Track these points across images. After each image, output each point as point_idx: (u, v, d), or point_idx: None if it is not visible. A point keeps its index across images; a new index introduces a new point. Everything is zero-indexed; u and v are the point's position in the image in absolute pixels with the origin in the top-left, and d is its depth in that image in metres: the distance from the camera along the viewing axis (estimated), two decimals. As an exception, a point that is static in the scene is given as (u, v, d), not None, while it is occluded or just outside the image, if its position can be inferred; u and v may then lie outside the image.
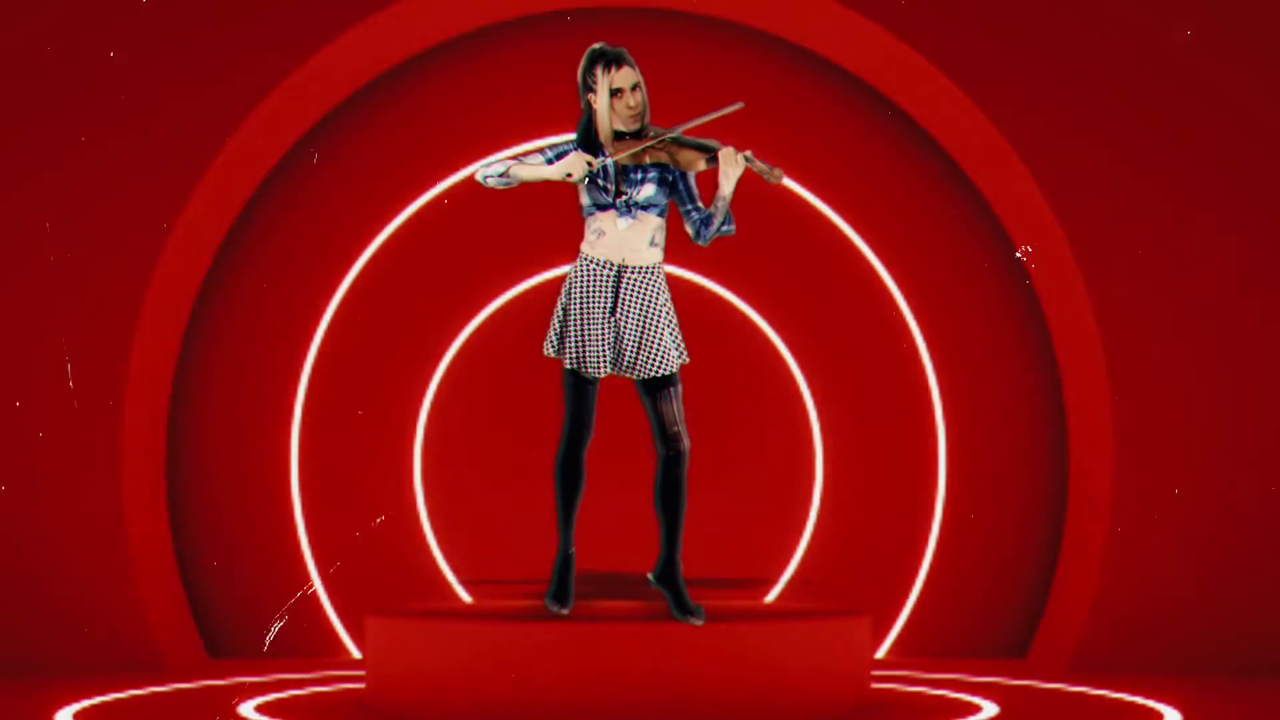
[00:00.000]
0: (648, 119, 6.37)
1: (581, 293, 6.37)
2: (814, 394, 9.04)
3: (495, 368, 8.99)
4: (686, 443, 6.45)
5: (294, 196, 9.01)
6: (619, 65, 6.32)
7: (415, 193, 9.04)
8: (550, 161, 6.37)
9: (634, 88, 6.33)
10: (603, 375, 6.41)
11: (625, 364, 6.39)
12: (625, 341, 6.37)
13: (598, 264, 6.37)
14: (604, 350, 6.37)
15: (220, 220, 8.88)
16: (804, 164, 8.94)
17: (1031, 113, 8.43)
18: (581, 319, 6.37)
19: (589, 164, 6.29)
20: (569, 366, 6.41)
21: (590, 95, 6.35)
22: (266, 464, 8.98)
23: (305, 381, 9.00)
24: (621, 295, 6.36)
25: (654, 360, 6.37)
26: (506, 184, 6.39)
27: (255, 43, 8.44)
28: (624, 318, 6.36)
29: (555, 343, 6.43)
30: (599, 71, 6.32)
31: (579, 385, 6.46)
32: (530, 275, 8.96)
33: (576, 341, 6.37)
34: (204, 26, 8.43)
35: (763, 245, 8.89)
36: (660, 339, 6.38)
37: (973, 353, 9.02)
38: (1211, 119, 8.39)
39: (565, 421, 6.50)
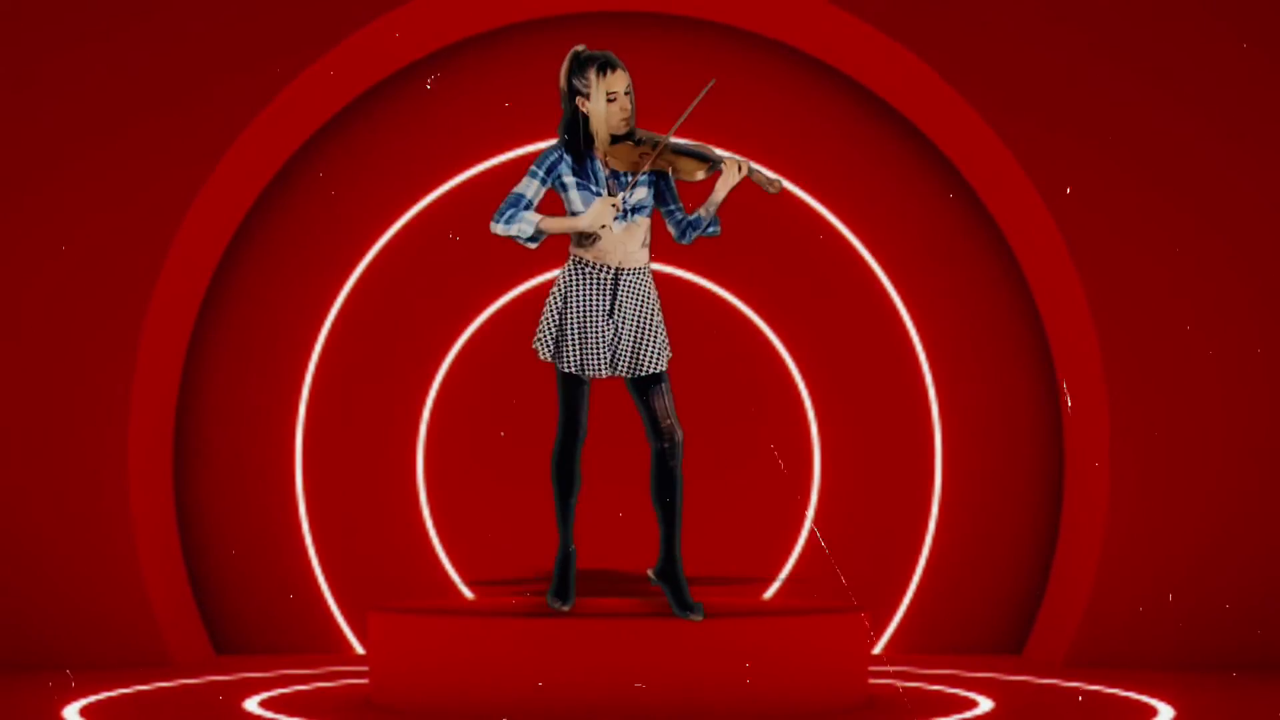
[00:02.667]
0: (635, 121, 6.41)
1: (580, 296, 6.42)
2: (812, 393, 9.07)
3: (498, 367, 9.02)
4: (679, 434, 6.51)
5: (299, 197, 9.03)
6: (612, 69, 6.34)
7: (418, 195, 9.07)
8: (543, 180, 6.39)
9: (626, 91, 6.36)
10: (603, 377, 6.46)
11: (622, 365, 6.44)
12: (623, 342, 6.43)
13: (594, 267, 6.41)
14: (603, 352, 6.42)
15: (227, 220, 8.91)
16: (801, 165, 8.98)
17: (1028, 115, 8.44)
18: (580, 322, 6.41)
19: (614, 207, 6.34)
20: (568, 371, 6.45)
21: (580, 99, 6.37)
22: (272, 462, 9.01)
23: (310, 380, 9.03)
24: (619, 297, 6.42)
25: (650, 358, 6.44)
26: (537, 243, 6.40)
27: (260, 47, 8.46)
28: (621, 319, 6.42)
29: (551, 346, 6.47)
30: (593, 75, 6.33)
31: (574, 387, 6.51)
32: (532, 276, 8.99)
33: (575, 345, 6.42)
34: (207, 31, 8.46)
35: (761, 246, 8.93)
36: (655, 338, 6.45)
37: (969, 351, 9.04)
38: (1210, 120, 8.41)
39: (560, 423, 6.55)
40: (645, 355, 6.43)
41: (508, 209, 6.37)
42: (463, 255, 9.05)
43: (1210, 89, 8.42)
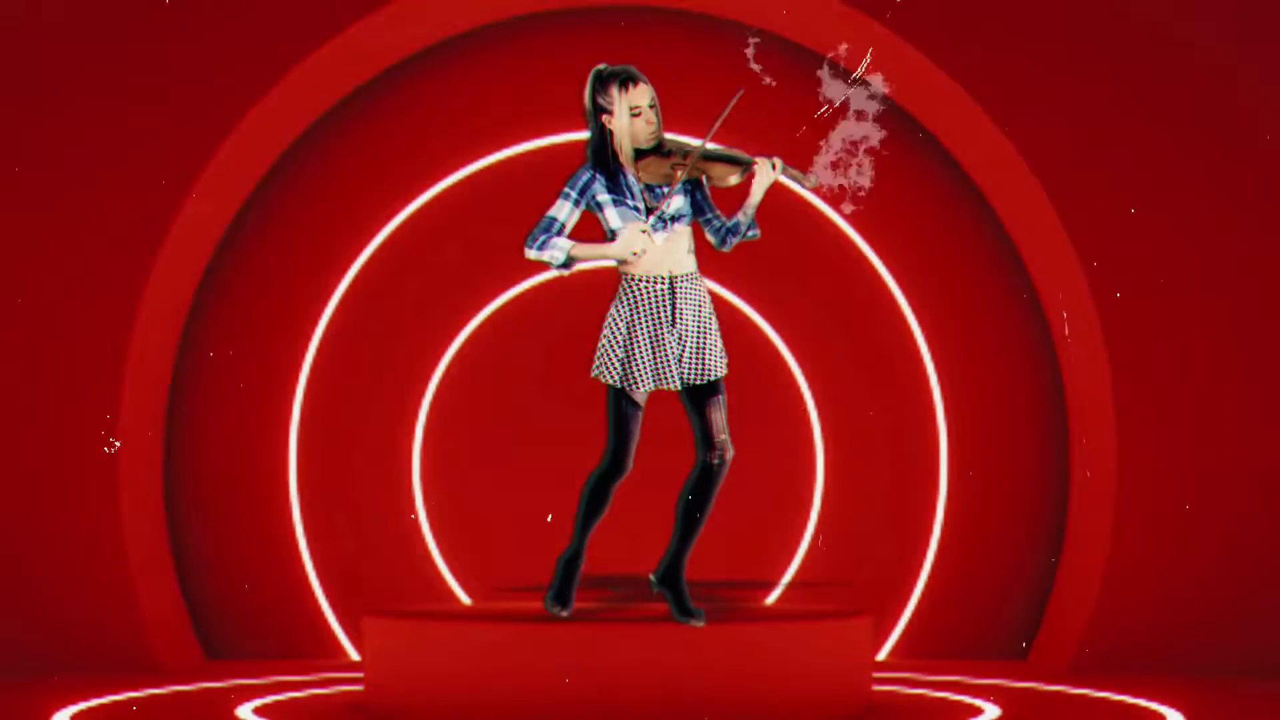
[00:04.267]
0: (662, 134, 6.36)
1: (643, 312, 6.35)
2: (814, 394, 9.04)
3: (495, 369, 8.98)
4: (731, 453, 6.48)
5: (294, 195, 9.00)
6: (635, 83, 6.30)
7: (415, 192, 9.03)
8: (576, 201, 6.32)
9: (651, 105, 6.32)
10: (676, 388, 6.38)
11: (689, 371, 6.38)
12: (687, 349, 6.37)
13: (649, 280, 6.35)
14: (674, 363, 6.35)
15: (219, 218, 8.87)
16: (803, 165, 8.91)
17: (1034, 111, 8.44)
18: (647, 337, 6.35)
19: (645, 233, 6.28)
20: (645, 389, 6.36)
21: (605, 117, 6.31)
22: (264, 465, 8.97)
23: (304, 383, 9.00)
24: (678, 305, 6.36)
25: (713, 362, 6.39)
26: (570, 270, 6.35)
27: (255, 40, 8.44)
28: (684, 326, 6.36)
29: (619, 369, 6.37)
30: (615, 91, 6.28)
31: (632, 414, 6.41)
32: (531, 276, 8.95)
33: (645, 360, 6.34)
34: (200, 25, 8.43)
35: (762, 246, 8.85)
36: (715, 343, 6.42)
37: (974, 353, 9.03)
38: (1216, 121, 8.40)
39: (609, 451, 6.43)
40: (709, 359, 6.40)
41: (541, 233, 6.33)
42: (462, 255, 9.01)
43: (1214, 89, 8.40)
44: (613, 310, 6.41)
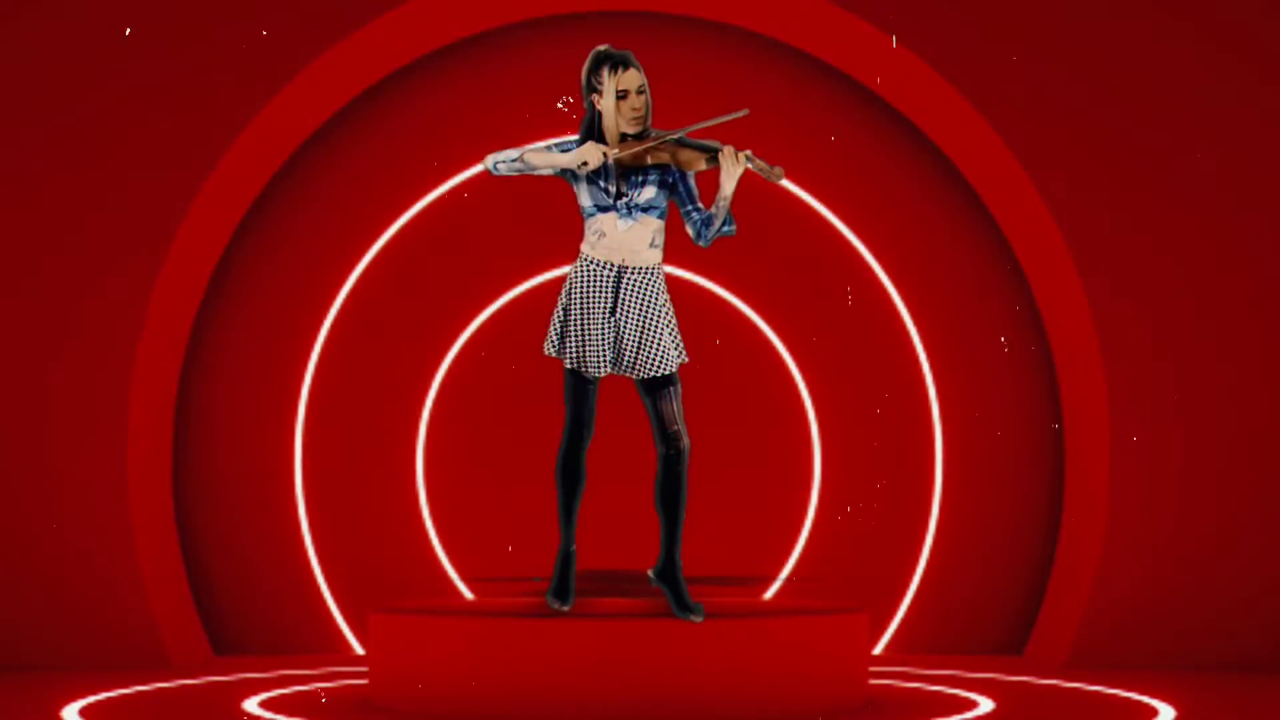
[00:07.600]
0: (650, 122, 6.42)
1: (582, 293, 6.42)
2: (813, 393, 9.07)
3: (497, 366, 9.02)
4: (686, 441, 6.50)
5: (299, 197, 9.04)
6: (625, 67, 6.36)
7: (418, 194, 9.07)
8: (551, 150, 6.42)
9: (639, 90, 6.38)
10: (602, 375, 6.46)
11: (625, 364, 6.43)
12: (625, 341, 6.42)
13: (598, 264, 6.42)
14: (604, 350, 6.41)
15: (226, 220, 8.91)
16: (803, 165, 8.97)
17: (1029, 114, 8.44)
18: (582, 319, 6.42)
19: (604, 154, 6.33)
20: (570, 366, 6.46)
21: (595, 96, 6.39)
22: (271, 462, 9.01)
23: (309, 380, 9.03)
24: (621, 296, 6.41)
25: (653, 360, 6.42)
26: (520, 170, 6.42)
27: (260, 46, 8.45)
28: (624, 318, 6.41)
29: (555, 342, 6.48)
30: (605, 73, 6.36)
31: (579, 385, 6.50)
32: (533, 275, 8.99)
33: (577, 342, 6.42)
34: (207, 30, 8.46)
35: (762, 246, 8.93)
36: (660, 339, 6.42)
37: (970, 351, 9.05)
38: (1210, 122, 8.41)
39: (566, 421, 6.53)
40: (648, 357, 6.42)
41: (507, 152, 6.43)
42: (463, 255, 9.05)
43: (1213, 89, 8.42)
44: (563, 286, 6.49)
